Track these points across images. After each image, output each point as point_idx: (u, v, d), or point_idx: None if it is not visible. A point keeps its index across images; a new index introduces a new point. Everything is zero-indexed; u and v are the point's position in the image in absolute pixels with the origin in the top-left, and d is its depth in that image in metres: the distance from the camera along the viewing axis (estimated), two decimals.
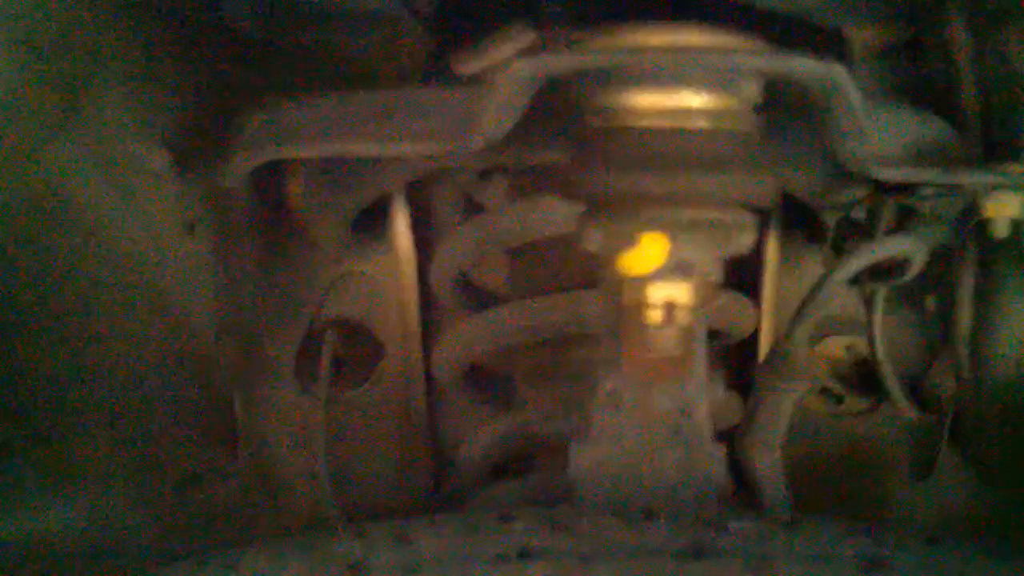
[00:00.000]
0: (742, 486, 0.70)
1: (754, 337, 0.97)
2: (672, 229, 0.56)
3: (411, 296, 0.98)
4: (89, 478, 0.83)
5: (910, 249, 0.68)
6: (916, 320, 0.96)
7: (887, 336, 0.87)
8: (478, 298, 0.94)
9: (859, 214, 0.81)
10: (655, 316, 0.57)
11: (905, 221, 0.77)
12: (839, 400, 1.03)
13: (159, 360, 0.87)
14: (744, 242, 0.59)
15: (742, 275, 0.90)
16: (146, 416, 0.86)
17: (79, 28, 0.71)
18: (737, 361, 0.96)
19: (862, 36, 0.92)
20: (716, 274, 0.58)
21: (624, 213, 0.56)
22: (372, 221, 0.94)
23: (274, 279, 0.98)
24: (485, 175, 0.92)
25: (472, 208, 0.94)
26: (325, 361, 0.97)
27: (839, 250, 0.82)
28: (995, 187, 0.68)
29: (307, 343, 1.00)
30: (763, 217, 0.62)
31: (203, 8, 0.84)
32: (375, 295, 1.01)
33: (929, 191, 0.70)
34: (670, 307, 0.57)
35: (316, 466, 0.95)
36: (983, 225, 0.75)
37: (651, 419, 0.62)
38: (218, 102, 0.84)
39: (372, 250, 0.99)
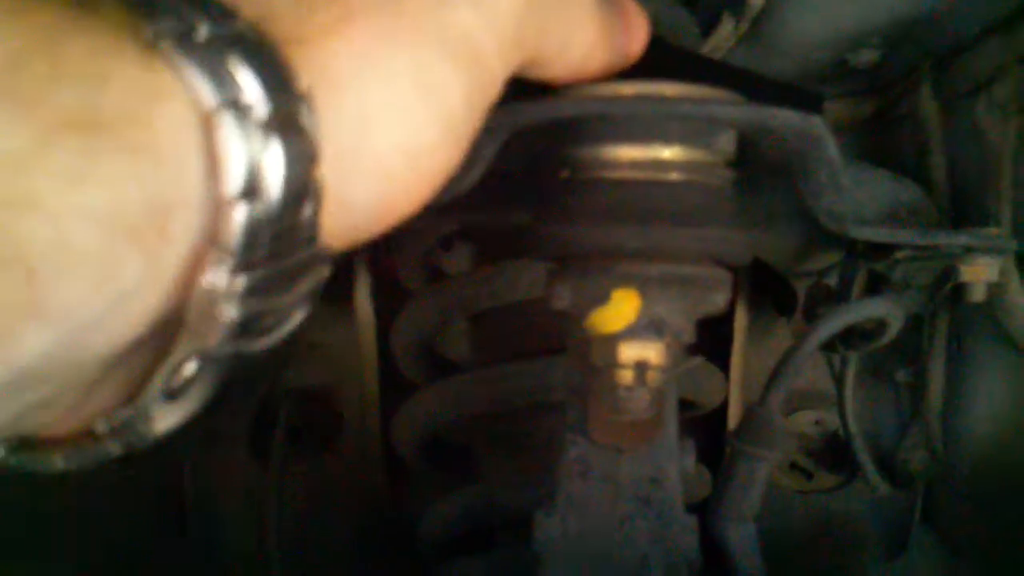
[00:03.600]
0: (714, 559, 0.67)
1: (722, 410, 0.95)
2: (644, 285, 0.53)
3: (371, 365, 0.95)
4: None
5: (887, 311, 0.66)
6: (886, 394, 0.95)
7: (857, 410, 0.86)
8: (440, 367, 0.91)
9: (830, 281, 0.79)
10: (626, 377, 0.54)
11: (877, 288, 0.76)
12: (809, 476, 1.01)
13: None
14: (718, 301, 0.56)
15: (710, 345, 0.89)
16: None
17: None
18: (705, 434, 0.94)
19: (833, 110, 0.92)
20: (689, 333, 0.56)
21: (595, 268, 0.54)
22: (332, 290, 0.92)
23: None
24: (447, 242, 0.90)
25: (434, 275, 0.92)
26: (280, 431, 0.94)
27: (811, 317, 0.80)
28: (972, 250, 0.67)
29: (263, 413, 0.97)
30: (733, 284, 0.60)
31: None
32: (334, 364, 0.99)
33: (903, 255, 0.68)
34: (642, 367, 0.54)
35: (268, 541, 0.91)
36: (956, 294, 0.73)
37: (620, 488, 0.59)
38: None
39: (332, 319, 0.97)
